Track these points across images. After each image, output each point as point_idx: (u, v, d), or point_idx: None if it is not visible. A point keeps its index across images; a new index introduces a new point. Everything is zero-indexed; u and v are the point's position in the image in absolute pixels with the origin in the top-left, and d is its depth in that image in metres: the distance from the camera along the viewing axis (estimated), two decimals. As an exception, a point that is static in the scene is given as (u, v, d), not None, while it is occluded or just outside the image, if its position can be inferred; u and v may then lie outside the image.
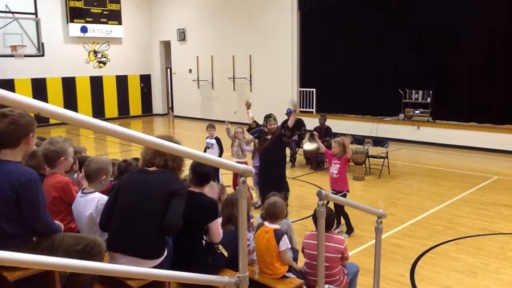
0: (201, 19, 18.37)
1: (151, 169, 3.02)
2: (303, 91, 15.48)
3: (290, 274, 3.49)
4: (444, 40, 12.16)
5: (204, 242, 3.19)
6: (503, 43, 11.26)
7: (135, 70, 20.38)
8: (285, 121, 8.64)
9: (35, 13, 16.69)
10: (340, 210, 5.86)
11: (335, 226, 5.22)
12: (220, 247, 3.26)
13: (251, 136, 7.12)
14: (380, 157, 9.32)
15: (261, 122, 6.86)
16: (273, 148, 6.44)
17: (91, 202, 3.21)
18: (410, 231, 6.13)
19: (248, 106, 7.04)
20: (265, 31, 15.95)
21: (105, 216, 3.01)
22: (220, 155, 7.49)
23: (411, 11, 12.78)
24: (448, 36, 12.07)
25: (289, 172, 8.02)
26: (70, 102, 17.68)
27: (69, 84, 18.24)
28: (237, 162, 6.79)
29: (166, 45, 20.51)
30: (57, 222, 2.88)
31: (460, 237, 5.87)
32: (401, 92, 12.97)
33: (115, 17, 19.06)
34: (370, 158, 9.39)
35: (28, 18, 16.24)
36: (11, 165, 2.61)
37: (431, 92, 12.54)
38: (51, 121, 15.96)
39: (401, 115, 13.12)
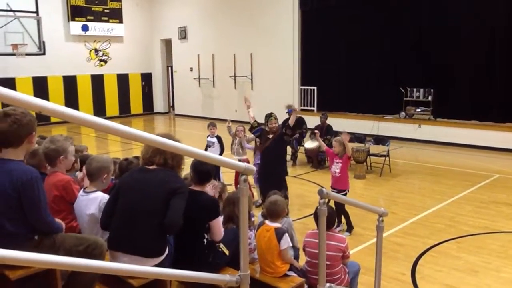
0: (202, 17, 18.36)
1: (151, 167, 3.02)
2: (304, 89, 15.47)
3: (291, 273, 3.49)
4: (445, 38, 12.13)
5: (205, 240, 3.19)
6: (503, 41, 11.23)
7: (136, 69, 20.38)
8: (286, 120, 8.62)
9: (36, 12, 16.68)
10: (341, 209, 5.86)
11: (336, 224, 5.22)
12: (221, 245, 3.26)
13: (252, 135, 7.12)
14: (381, 156, 9.32)
15: (262, 121, 6.86)
16: (275, 147, 6.44)
17: (92, 201, 3.21)
18: (411, 229, 6.13)
19: (248, 105, 7.03)
20: (266, 30, 15.94)
21: (106, 215, 3.01)
22: (221, 154, 7.50)
23: (412, 10, 12.75)
24: (449, 35, 12.05)
25: (290, 171, 8.01)
26: (71, 100, 17.68)
27: (70, 83, 18.25)
28: (238, 160, 6.81)
29: (167, 44, 20.51)
30: (58, 220, 2.88)
31: (461, 235, 5.87)
32: (402, 90, 12.95)
33: (116, 15, 19.06)
34: (371, 157, 9.38)
35: (29, 17, 16.24)
36: (13, 164, 2.62)
37: (432, 90, 12.52)
38: (52, 119, 15.99)
39: (402, 113, 13.10)
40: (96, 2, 18.33)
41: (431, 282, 4.64)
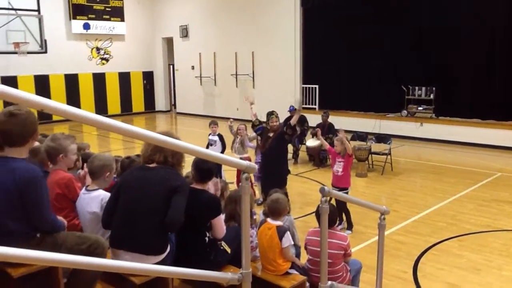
0: (204, 15, 18.35)
1: (151, 165, 3.03)
2: (305, 87, 15.46)
3: (293, 271, 3.49)
4: (446, 37, 12.11)
5: (207, 239, 3.20)
6: (504, 40, 11.20)
7: (137, 67, 20.38)
8: (288, 118, 8.62)
9: (38, 10, 16.69)
10: (342, 207, 5.87)
11: (337, 222, 5.22)
12: (223, 243, 3.26)
13: (254, 134, 7.12)
14: (383, 154, 9.31)
15: (264, 119, 6.85)
16: (275, 145, 6.43)
17: (94, 199, 3.21)
18: (413, 227, 6.13)
19: (251, 101, 7.01)
20: (268, 28, 15.92)
21: (107, 214, 3.02)
22: (222, 152, 7.50)
23: (413, 9, 12.72)
24: (450, 33, 12.04)
25: (292, 169, 8.02)
26: (73, 99, 17.70)
27: (72, 81, 18.26)
28: (239, 158, 6.80)
29: (169, 42, 20.50)
30: (60, 218, 2.88)
31: (463, 233, 5.87)
32: (404, 88, 12.93)
33: (117, 13, 19.06)
34: (373, 155, 9.37)
35: (31, 15, 16.25)
36: (17, 162, 2.63)
37: (434, 88, 12.51)
38: (54, 118, 16.01)
39: (404, 112, 13.09)
40: (98, 0, 18.33)
41: (433, 280, 4.64)
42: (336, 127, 10.11)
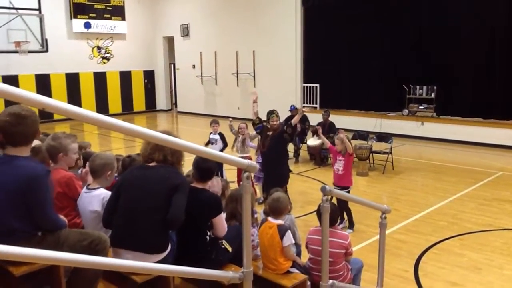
0: (205, 14, 18.34)
1: (151, 164, 3.03)
2: (306, 86, 15.45)
3: (294, 270, 3.49)
4: (446, 36, 12.11)
5: (208, 237, 3.20)
6: (504, 38, 11.18)
7: (138, 66, 20.39)
8: (289, 117, 8.61)
9: (39, 9, 16.70)
10: (343, 206, 5.87)
11: (339, 221, 5.22)
12: (224, 242, 3.26)
13: (254, 132, 7.11)
14: (384, 153, 9.31)
15: (264, 118, 6.84)
16: (275, 145, 6.40)
17: (96, 198, 3.21)
18: (414, 226, 6.13)
19: (255, 99, 6.97)
20: (269, 27, 15.91)
21: (107, 213, 3.02)
22: (222, 149, 7.52)
23: (414, 9, 12.71)
24: (451, 33, 12.04)
25: (293, 168, 8.02)
26: (74, 98, 17.72)
27: (73, 80, 18.28)
28: (240, 157, 6.78)
29: (170, 41, 20.50)
30: (61, 217, 2.89)
31: (464, 232, 5.86)
32: (405, 87, 12.93)
33: (118, 12, 19.06)
34: (374, 154, 9.37)
35: (32, 14, 16.26)
36: (23, 160, 2.65)
37: (435, 87, 12.50)
38: (55, 116, 16.03)
39: (405, 111, 13.08)
40: (99, -1, 18.36)
41: (434, 279, 4.64)
42: (337, 126, 10.12)
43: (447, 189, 7.82)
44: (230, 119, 7.89)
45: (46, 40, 16.29)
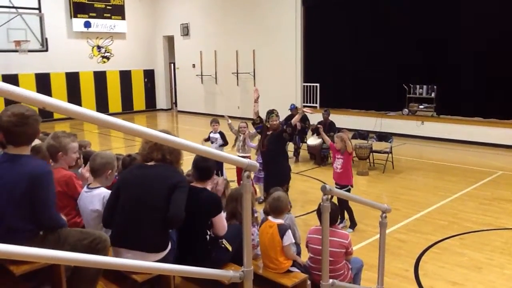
0: (205, 14, 18.33)
1: (149, 163, 3.04)
2: (307, 86, 15.44)
3: (294, 269, 3.49)
4: (447, 35, 12.10)
5: (208, 237, 3.19)
6: (505, 38, 11.17)
7: (138, 65, 20.38)
8: (289, 117, 8.61)
9: (39, 8, 16.68)
10: (344, 205, 5.87)
11: (339, 221, 5.22)
12: (224, 241, 3.26)
13: (254, 130, 7.10)
14: (384, 152, 9.31)
15: (264, 117, 6.83)
16: (274, 144, 6.40)
17: (96, 197, 3.21)
18: (414, 226, 6.13)
19: (256, 97, 6.96)
20: (269, 26, 15.90)
21: (107, 213, 3.02)
22: (223, 145, 7.55)
23: (414, 8, 12.69)
24: (451, 32, 12.03)
25: (293, 167, 8.00)
26: (74, 97, 17.70)
27: (73, 79, 18.27)
28: (241, 157, 6.78)
29: (170, 40, 20.49)
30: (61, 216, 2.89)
31: (464, 232, 5.86)
32: (405, 87, 12.92)
33: (118, 12, 19.05)
34: (374, 153, 9.37)
35: (32, 13, 16.23)
36: (25, 159, 2.66)
37: (435, 87, 12.50)
38: (55, 116, 16.03)
39: (405, 110, 13.08)
40: (99, -2, 18.34)
41: (434, 279, 4.64)
42: (337, 125, 10.12)
43: (448, 189, 7.82)
44: (227, 117, 7.89)
45: (46, 39, 16.26)
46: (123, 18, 19.23)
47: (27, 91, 1.38)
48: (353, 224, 5.98)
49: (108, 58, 19.37)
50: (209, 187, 3.40)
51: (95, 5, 18.30)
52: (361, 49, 13.81)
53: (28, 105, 2.40)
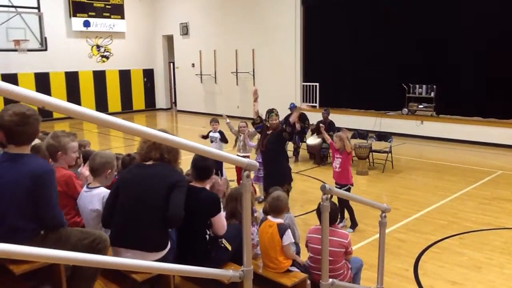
0: (204, 13, 18.32)
1: (148, 163, 3.04)
2: (306, 85, 15.44)
3: (294, 268, 3.49)
4: (446, 35, 12.10)
5: (207, 236, 3.19)
6: (505, 37, 11.18)
7: (138, 65, 20.37)
8: (289, 116, 8.59)
9: (38, 8, 16.66)
10: (344, 204, 5.86)
11: (338, 220, 5.22)
12: (224, 241, 3.26)
13: (254, 129, 7.10)
14: (384, 152, 9.31)
15: (264, 116, 6.83)
16: (274, 144, 6.40)
17: (96, 197, 3.21)
18: (414, 225, 6.13)
19: (255, 96, 6.96)
20: (268, 26, 15.90)
21: (106, 213, 3.02)
22: (222, 139, 7.56)
23: (413, 7, 12.69)
24: (450, 32, 12.03)
25: (292, 167, 8.00)
26: (73, 96, 17.69)
27: (72, 79, 18.26)
28: (242, 156, 6.78)
29: (169, 40, 20.48)
30: (61, 215, 2.89)
31: (464, 231, 5.87)
32: (405, 86, 12.92)
33: (118, 11, 19.04)
34: (373, 153, 9.37)
35: (31, 13, 16.21)
36: (27, 158, 2.66)
37: (434, 86, 12.50)
38: (55, 115, 16.02)
39: (405, 110, 13.08)
40: (98, -2, 18.33)
41: (434, 278, 4.64)
42: (336, 125, 10.11)
43: (447, 188, 7.82)
44: (225, 116, 7.89)
45: (45, 38, 16.25)
46: (123, 18, 19.22)
47: (27, 90, 1.37)
48: (353, 224, 5.97)
49: (107, 58, 19.36)
50: (208, 187, 3.40)
51: (95, 5, 18.29)
52: (360, 48, 13.81)
53: (28, 105, 2.40)
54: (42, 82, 17.22)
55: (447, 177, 8.59)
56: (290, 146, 9.10)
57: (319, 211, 3.40)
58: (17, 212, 2.62)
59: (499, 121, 11.57)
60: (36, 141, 3.26)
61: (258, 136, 7.14)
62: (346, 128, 7.46)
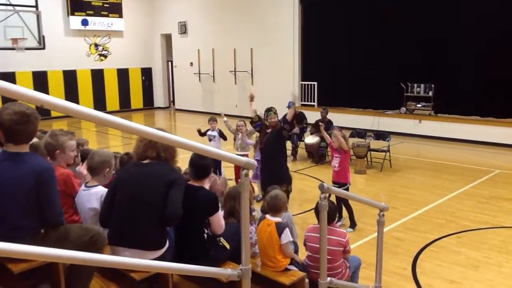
0: (202, 12, 18.30)
1: (145, 162, 3.04)
2: (304, 84, 15.44)
3: (292, 267, 3.49)
4: (445, 34, 12.11)
5: (205, 235, 3.19)
6: (504, 37, 11.19)
7: (136, 63, 20.34)
8: (286, 114, 8.60)
9: (36, 6, 16.63)
10: (344, 204, 5.87)
11: (337, 219, 5.23)
12: (222, 239, 3.26)
13: (252, 128, 7.10)
14: (382, 151, 9.31)
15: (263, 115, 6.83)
16: (273, 142, 6.41)
17: (94, 196, 3.21)
18: (412, 224, 6.14)
19: (252, 98, 6.99)
20: (267, 24, 15.89)
21: (104, 212, 3.02)
22: (220, 134, 7.58)
23: (412, 6, 12.69)
24: (449, 31, 12.03)
25: (290, 166, 8.01)
26: (71, 95, 17.64)
27: (70, 77, 18.22)
28: (240, 155, 6.78)
29: (167, 38, 20.45)
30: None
31: (462, 230, 5.88)
32: (403, 85, 12.93)
33: (116, 10, 19.00)
34: (371, 152, 9.38)
35: (29, 11, 16.19)
36: (27, 156, 2.67)
37: (433, 85, 12.51)
38: (53, 114, 15.99)
39: (403, 109, 13.09)
40: (96, -4, 18.29)
41: (432, 277, 4.65)
42: (334, 124, 10.12)
43: (445, 187, 7.83)
44: (223, 114, 7.89)
45: (43, 37, 16.23)
46: (121, 16, 19.18)
47: (25, 89, 1.37)
48: (353, 224, 5.97)
49: (105, 56, 19.32)
50: (206, 186, 3.39)
51: (93, 3, 18.25)
52: (359, 47, 13.81)
53: (26, 103, 2.40)
54: (40, 80, 17.17)
55: (445, 176, 8.60)
56: (288, 145, 9.09)
57: (317, 210, 3.41)
58: (20, 210, 2.61)
59: (497, 120, 11.59)
60: (34, 139, 3.26)
61: (256, 134, 7.15)
62: (344, 127, 7.46)
